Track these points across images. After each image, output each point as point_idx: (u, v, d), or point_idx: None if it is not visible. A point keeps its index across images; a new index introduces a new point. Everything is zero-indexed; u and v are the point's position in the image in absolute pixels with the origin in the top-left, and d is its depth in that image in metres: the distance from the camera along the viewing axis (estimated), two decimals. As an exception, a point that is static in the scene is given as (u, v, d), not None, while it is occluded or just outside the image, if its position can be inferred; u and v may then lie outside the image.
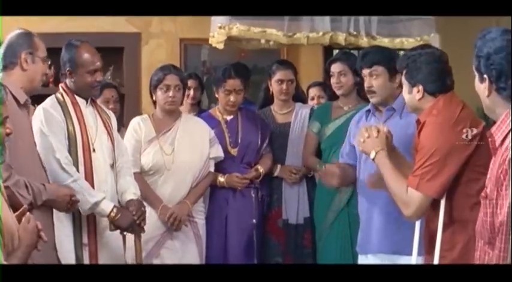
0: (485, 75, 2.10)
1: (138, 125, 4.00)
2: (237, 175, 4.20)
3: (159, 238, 3.88)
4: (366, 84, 3.54)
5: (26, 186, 2.86)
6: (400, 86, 3.26)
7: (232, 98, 4.23)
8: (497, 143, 2.08)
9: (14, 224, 2.20)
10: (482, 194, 2.11)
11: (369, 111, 3.67)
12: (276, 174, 4.40)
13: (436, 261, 2.81)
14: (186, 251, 3.97)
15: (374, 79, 3.50)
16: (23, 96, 3.00)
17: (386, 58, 3.52)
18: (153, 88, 4.04)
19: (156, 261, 3.86)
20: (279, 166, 4.41)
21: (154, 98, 4.06)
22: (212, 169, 4.13)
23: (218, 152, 4.14)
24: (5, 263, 2.06)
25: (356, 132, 3.70)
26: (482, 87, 2.14)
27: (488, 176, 2.13)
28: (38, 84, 3.15)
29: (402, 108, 3.42)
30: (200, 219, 4.07)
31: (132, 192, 3.58)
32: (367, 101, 3.98)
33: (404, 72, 2.96)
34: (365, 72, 3.54)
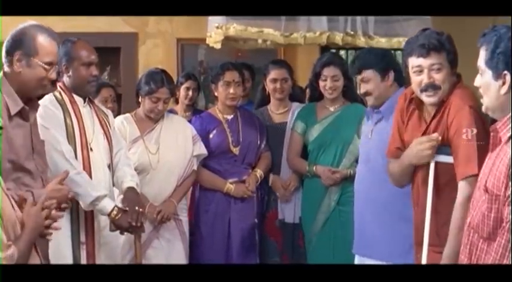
0: (505, 72, 2.06)
1: (122, 125, 3.99)
2: (245, 186, 4.21)
3: (146, 237, 3.86)
4: (360, 90, 3.58)
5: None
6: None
7: (231, 90, 4.23)
8: (504, 139, 2.07)
9: (13, 213, 2.19)
10: (482, 188, 2.10)
11: (367, 112, 3.70)
12: (270, 184, 4.41)
13: (424, 256, 2.81)
14: (172, 249, 3.99)
15: (367, 83, 3.53)
16: (17, 104, 2.77)
17: (374, 60, 3.54)
18: (142, 94, 4.01)
19: (142, 262, 3.84)
20: (271, 176, 4.41)
21: (140, 100, 4.05)
22: (195, 167, 4.13)
23: (201, 149, 4.14)
24: (8, 252, 2.06)
25: (363, 130, 3.73)
26: (497, 85, 2.09)
27: (487, 170, 2.12)
28: (33, 90, 2.84)
29: (390, 112, 3.43)
30: (184, 217, 4.10)
31: (129, 179, 3.57)
32: (353, 101, 4.02)
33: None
34: (357, 78, 3.58)
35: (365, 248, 3.54)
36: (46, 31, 2.82)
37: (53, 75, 2.84)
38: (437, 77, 2.81)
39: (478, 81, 2.20)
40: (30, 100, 2.87)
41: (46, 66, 2.79)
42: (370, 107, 3.61)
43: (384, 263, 3.36)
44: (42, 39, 2.79)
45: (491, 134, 2.15)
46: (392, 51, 6.63)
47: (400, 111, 3.06)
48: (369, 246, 3.50)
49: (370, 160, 3.53)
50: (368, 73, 3.52)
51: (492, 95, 2.12)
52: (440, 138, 2.82)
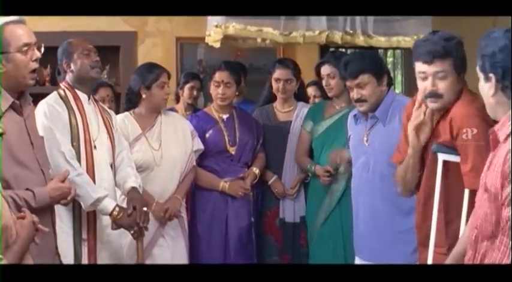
0: (490, 74, 2.13)
1: (123, 123, 3.98)
2: (240, 182, 4.21)
3: (152, 235, 3.88)
4: (354, 96, 3.51)
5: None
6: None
7: (220, 90, 4.24)
8: (502, 139, 2.10)
9: (10, 218, 2.19)
10: (483, 187, 2.14)
11: (356, 115, 3.68)
12: (269, 183, 4.41)
13: (430, 256, 2.81)
14: (176, 246, 4.01)
15: (362, 89, 3.47)
16: (7, 100, 2.74)
17: (371, 64, 3.48)
18: (146, 86, 3.97)
19: (148, 261, 3.84)
20: (274, 177, 4.41)
21: (144, 96, 4.00)
22: (194, 163, 4.14)
23: (199, 144, 4.16)
24: (4, 262, 2.06)
25: (351, 134, 3.71)
26: (487, 87, 2.16)
27: (486, 170, 2.15)
28: (27, 78, 2.80)
29: (386, 115, 3.42)
30: (184, 214, 4.12)
31: (133, 180, 3.59)
32: None
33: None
34: (351, 84, 3.50)
35: (371, 254, 3.53)
36: (9, 21, 2.75)
37: (36, 54, 2.79)
38: (441, 85, 2.77)
39: (479, 86, 2.24)
40: (22, 95, 2.85)
41: (23, 49, 2.74)
42: (362, 112, 3.58)
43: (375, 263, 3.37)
44: (8, 29, 2.73)
45: (490, 136, 2.17)
46: (391, 50, 6.70)
47: (408, 118, 3.00)
48: (375, 252, 3.49)
49: (370, 167, 3.51)
50: (365, 78, 3.46)
51: (485, 96, 2.19)
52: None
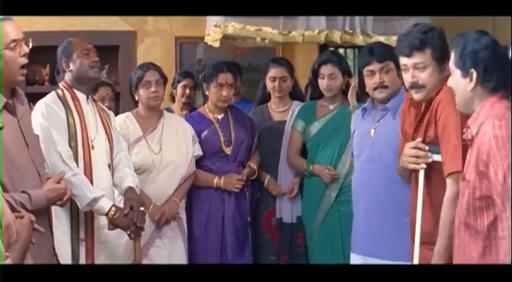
0: (471, 70, 2.36)
1: (125, 123, 3.99)
2: (234, 175, 4.20)
3: (149, 237, 3.88)
4: (376, 80, 3.49)
5: None
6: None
7: (224, 92, 4.21)
8: (474, 133, 2.32)
9: (11, 217, 2.19)
10: (462, 176, 2.38)
11: (365, 109, 3.67)
12: (265, 185, 4.41)
13: (416, 254, 2.83)
14: (174, 247, 4.00)
15: (386, 74, 3.49)
16: (1, 100, 2.69)
17: (395, 54, 3.51)
18: (134, 87, 4.04)
19: (144, 262, 3.82)
20: (268, 177, 4.41)
21: (136, 98, 4.06)
22: (195, 168, 4.13)
23: (199, 150, 4.17)
24: (5, 262, 2.06)
25: (356, 129, 3.71)
26: (465, 82, 2.39)
27: (467, 163, 2.35)
28: (17, 74, 2.73)
29: (396, 109, 3.42)
30: (183, 215, 4.11)
31: (130, 180, 3.59)
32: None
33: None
34: (375, 67, 3.50)
35: (369, 247, 3.53)
36: None
37: (24, 49, 2.74)
38: (422, 76, 2.88)
39: (450, 81, 2.46)
40: (15, 94, 2.81)
41: (11, 45, 2.68)
42: (379, 101, 3.57)
43: (388, 262, 3.36)
44: None
45: (464, 133, 2.39)
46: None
47: (403, 114, 3.10)
48: (374, 245, 3.49)
49: (374, 159, 3.51)
50: (390, 64, 3.48)
51: (460, 92, 2.42)
52: (427, 148, 2.86)
